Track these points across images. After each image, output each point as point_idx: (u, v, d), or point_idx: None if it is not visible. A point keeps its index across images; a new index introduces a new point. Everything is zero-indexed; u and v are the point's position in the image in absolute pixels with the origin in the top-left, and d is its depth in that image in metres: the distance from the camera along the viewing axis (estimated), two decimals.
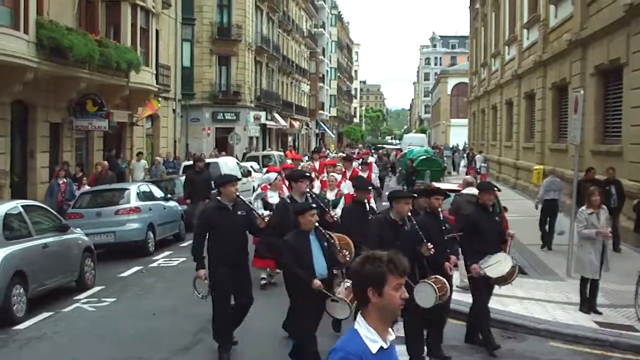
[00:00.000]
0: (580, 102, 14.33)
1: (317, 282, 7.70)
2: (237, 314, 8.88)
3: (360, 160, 20.92)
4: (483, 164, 36.84)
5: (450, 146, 70.62)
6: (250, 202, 11.50)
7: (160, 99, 32.64)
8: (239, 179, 8.95)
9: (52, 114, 22.54)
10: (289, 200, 9.46)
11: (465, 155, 53.01)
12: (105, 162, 22.96)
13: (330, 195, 12.95)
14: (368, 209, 9.99)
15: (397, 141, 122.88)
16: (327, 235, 8.33)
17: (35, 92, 20.92)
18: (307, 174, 10.67)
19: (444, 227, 8.82)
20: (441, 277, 8.20)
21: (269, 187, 13.35)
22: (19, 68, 18.65)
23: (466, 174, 37.85)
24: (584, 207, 10.92)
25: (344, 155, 24.10)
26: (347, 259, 8.30)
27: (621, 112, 18.44)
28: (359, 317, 3.36)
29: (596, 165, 18.93)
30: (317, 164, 18.09)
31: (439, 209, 8.92)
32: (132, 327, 10.45)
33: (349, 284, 7.48)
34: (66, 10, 22.48)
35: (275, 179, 13.55)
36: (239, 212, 8.62)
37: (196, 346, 9.40)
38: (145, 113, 29.74)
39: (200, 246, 8.67)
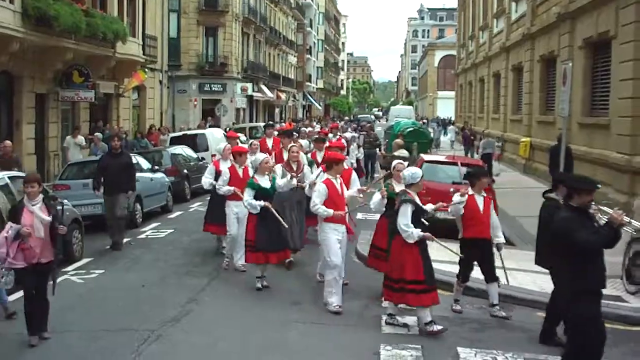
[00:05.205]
0: (569, 75, 14.31)
1: None
2: None
3: (315, 137, 15.81)
4: (497, 143, 35.65)
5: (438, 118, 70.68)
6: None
7: (146, 70, 32.41)
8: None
9: (38, 84, 22.33)
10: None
11: (447, 129, 52.56)
12: (9, 142, 16.39)
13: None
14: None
15: (381, 113, 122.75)
16: None
17: (21, 62, 20.70)
18: None
19: None
20: None
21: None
22: (5, 38, 18.48)
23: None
24: None
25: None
26: None
27: (609, 85, 18.47)
28: None
29: (583, 138, 18.99)
30: (270, 141, 15.40)
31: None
32: (121, 298, 10.44)
33: None
34: None
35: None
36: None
37: (185, 317, 9.39)
38: (132, 84, 29.54)
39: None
